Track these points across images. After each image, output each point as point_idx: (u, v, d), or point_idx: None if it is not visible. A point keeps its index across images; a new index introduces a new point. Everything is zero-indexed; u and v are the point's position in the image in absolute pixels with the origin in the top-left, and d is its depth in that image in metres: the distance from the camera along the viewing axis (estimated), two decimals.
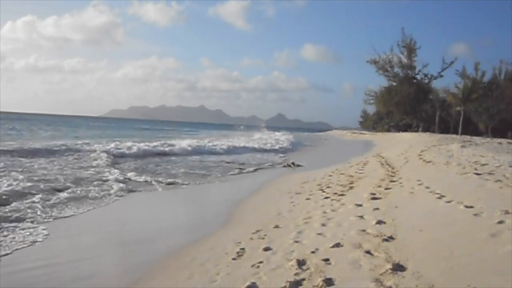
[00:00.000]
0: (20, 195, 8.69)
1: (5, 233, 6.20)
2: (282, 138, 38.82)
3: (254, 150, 27.27)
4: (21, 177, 10.59)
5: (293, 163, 17.97)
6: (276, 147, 30.35)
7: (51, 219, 7.19)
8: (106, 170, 13.52)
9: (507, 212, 5.29)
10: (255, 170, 16.43)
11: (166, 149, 22.40)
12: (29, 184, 9.76)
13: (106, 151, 18.63)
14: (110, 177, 11.94)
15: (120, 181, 11.29)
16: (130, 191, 10.33)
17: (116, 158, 17.33)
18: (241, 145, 29.03)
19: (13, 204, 7.90)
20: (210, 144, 27.50)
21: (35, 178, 10.72)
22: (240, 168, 16.47)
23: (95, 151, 18.63)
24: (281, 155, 24.60)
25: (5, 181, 9.92)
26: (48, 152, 17.33)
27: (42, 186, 9.69)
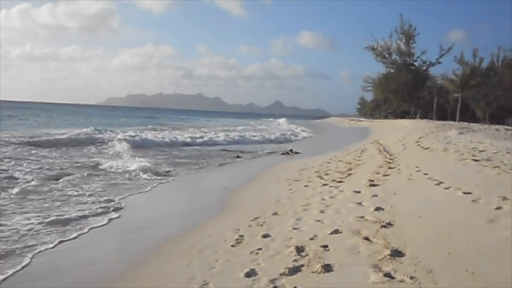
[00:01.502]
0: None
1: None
2: (286, 127, 39.03)
3: (255, 138, 27.52)
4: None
5: (291, 150, 17.97)
6: (283, 137, 30.49)
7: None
8: (105, 160, 13.71)
9: (505, 198, 5.31)
10: (254, 158, 16.49)
11: (167, 139, 22.86)
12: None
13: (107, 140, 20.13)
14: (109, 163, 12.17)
15: (120, 170, 11.39)
16: (131, 180, 10.35)
17: (123, 149, 17.61)
18: (242, 134, 29.43)
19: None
20: (210, 134, 28.07)
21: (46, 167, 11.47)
22: (239, 156, 16.50)
23: (110, 141, 20.30)
24: (283, 143, 24.66)
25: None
26: (61, 143, 18.27)
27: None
